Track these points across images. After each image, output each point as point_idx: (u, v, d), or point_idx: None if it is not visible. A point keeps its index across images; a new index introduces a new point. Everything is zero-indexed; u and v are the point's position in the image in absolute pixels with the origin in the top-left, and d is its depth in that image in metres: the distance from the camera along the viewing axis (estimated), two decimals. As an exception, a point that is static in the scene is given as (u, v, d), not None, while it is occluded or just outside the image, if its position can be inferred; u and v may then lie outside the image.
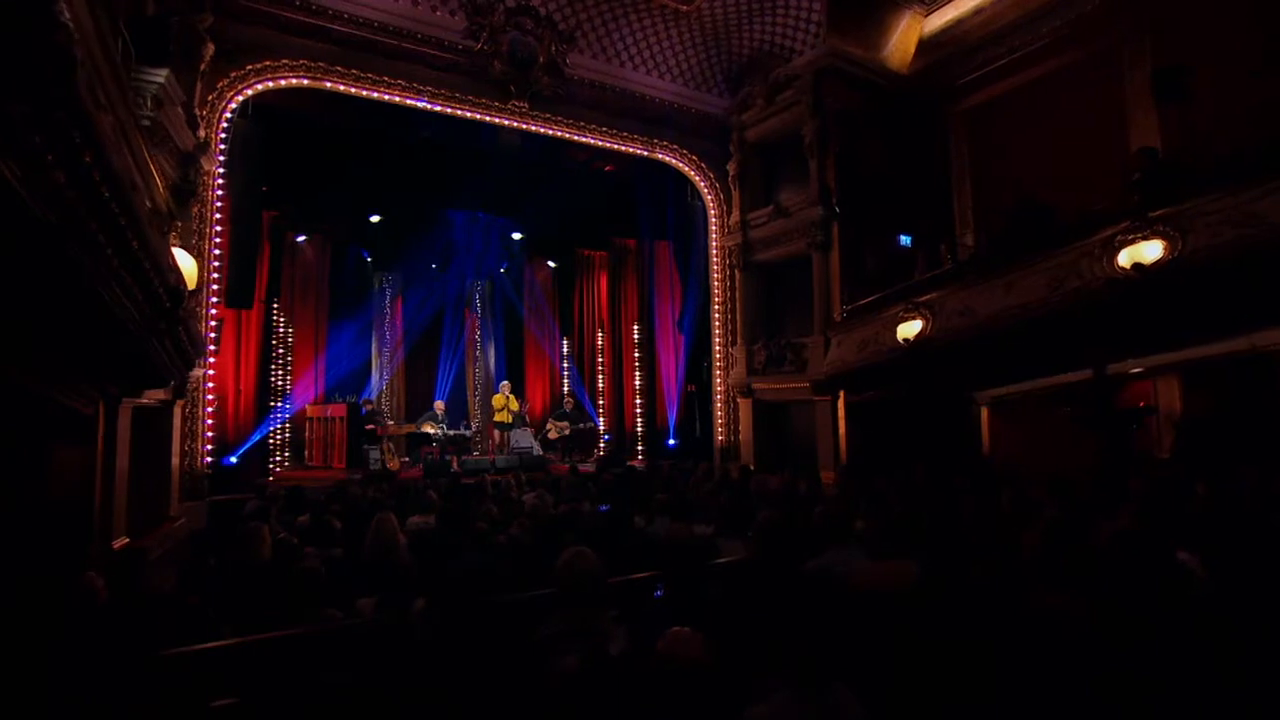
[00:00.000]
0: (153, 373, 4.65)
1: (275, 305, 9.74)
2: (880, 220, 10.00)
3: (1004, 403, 9.48)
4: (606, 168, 12.49)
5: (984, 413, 9.69)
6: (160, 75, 5.78)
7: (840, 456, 9.42)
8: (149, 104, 5.87)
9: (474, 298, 14.62)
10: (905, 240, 10.32)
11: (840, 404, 9.48)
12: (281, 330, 10.94)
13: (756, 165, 11.33)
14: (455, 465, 10.39)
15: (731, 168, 11.33)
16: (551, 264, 15.20)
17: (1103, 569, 2.68)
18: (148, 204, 3.58)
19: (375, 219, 11.87)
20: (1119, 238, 6.24)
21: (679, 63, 10.94)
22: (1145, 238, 6.15)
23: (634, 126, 10.87)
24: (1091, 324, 6.59)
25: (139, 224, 3.16)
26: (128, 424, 5.74)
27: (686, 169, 11.47)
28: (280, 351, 10.86)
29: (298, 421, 11.44)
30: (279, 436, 10.95)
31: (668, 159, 11.30)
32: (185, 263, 4.04)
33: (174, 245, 4.01)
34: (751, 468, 10.50)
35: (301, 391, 11.73)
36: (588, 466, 10.28)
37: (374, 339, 13.32)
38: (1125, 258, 6.20)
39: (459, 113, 9.42)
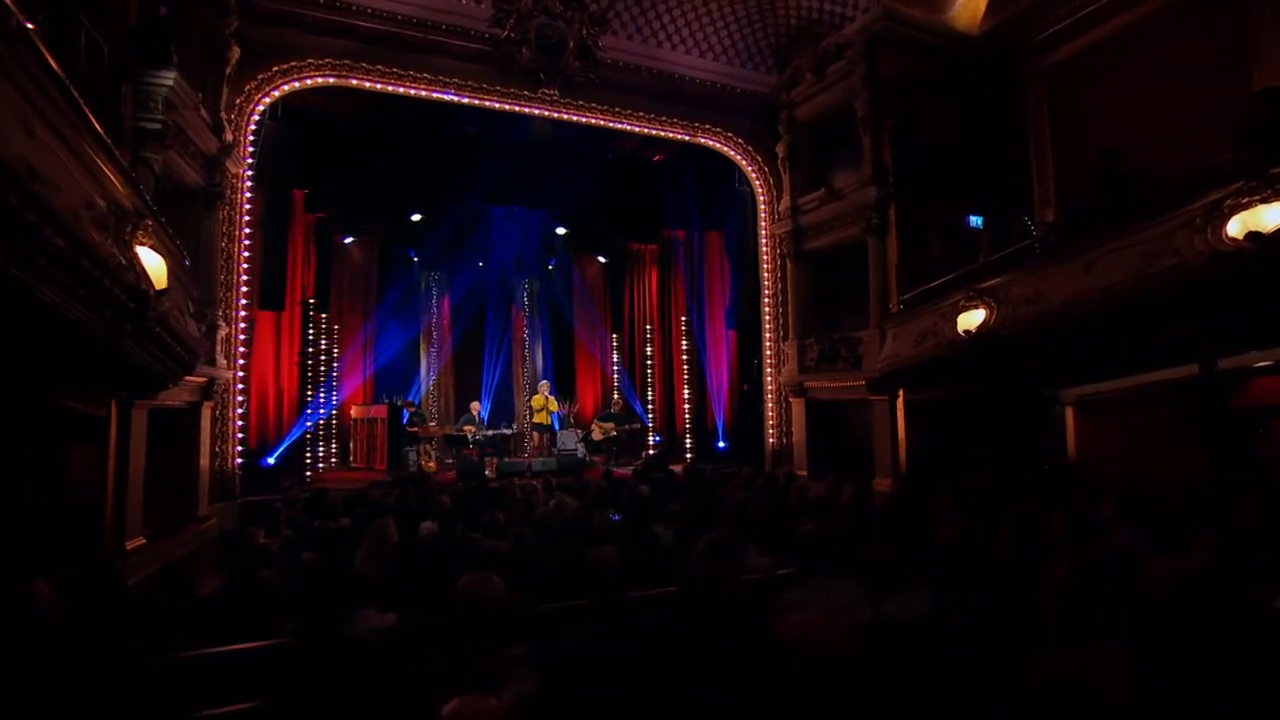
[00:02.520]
0: (139, 373, 4.69)
1: (312, 304, 9.93)
2: (946, 200, 9.11)
3: (1093, 403, 8.41)
4: (655, 157, 12.13)
5: (1069, 414, 8.64)
6: (167, 78, 5.89)
7: (900, 462, 8.66)
8: (160, 107, 6.03)
9: (522, 295, 14.61)
10: (976, 221, 9.39)
11: (899, 404, 8.71)
12: (325, 329, 11.16)
13: (807, 146, 10.64)
14: (491, 468, 10.31)
15: (780, 149, 10.71)
16: (601, 259, 14.99)
17: (1151, 621, 2.10)
18: (99, 202, 3.54)
19: (416, 218, 11.98)
20: (1229, 202, 5.26)
21: (721, 39, 10.42)
22: (1265, 199, 5.15)
23: (674, 110, 10.43)
24: (1191, 309, 5.63)
25: (56, 218, 3.09)
26: (143, 426, 5.89)
27: (732, 153, 10.92)
28: (323, 348, 11.05)
29: (344, 422, 11.73)
30: (325, 437, 11.25)
31: (711, 143, 10.80)
32: (151, 261, 4.00)
33: (142, 245, 3.97)
34: (798, 473, 9.91)
35: (349, 392, 12.04)
36: (624, 470, 9.96)
37: (421, 338, 13.52)
38: (1236, 226, 5.22)
39: (487, 103, 9.30)
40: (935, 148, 8.99)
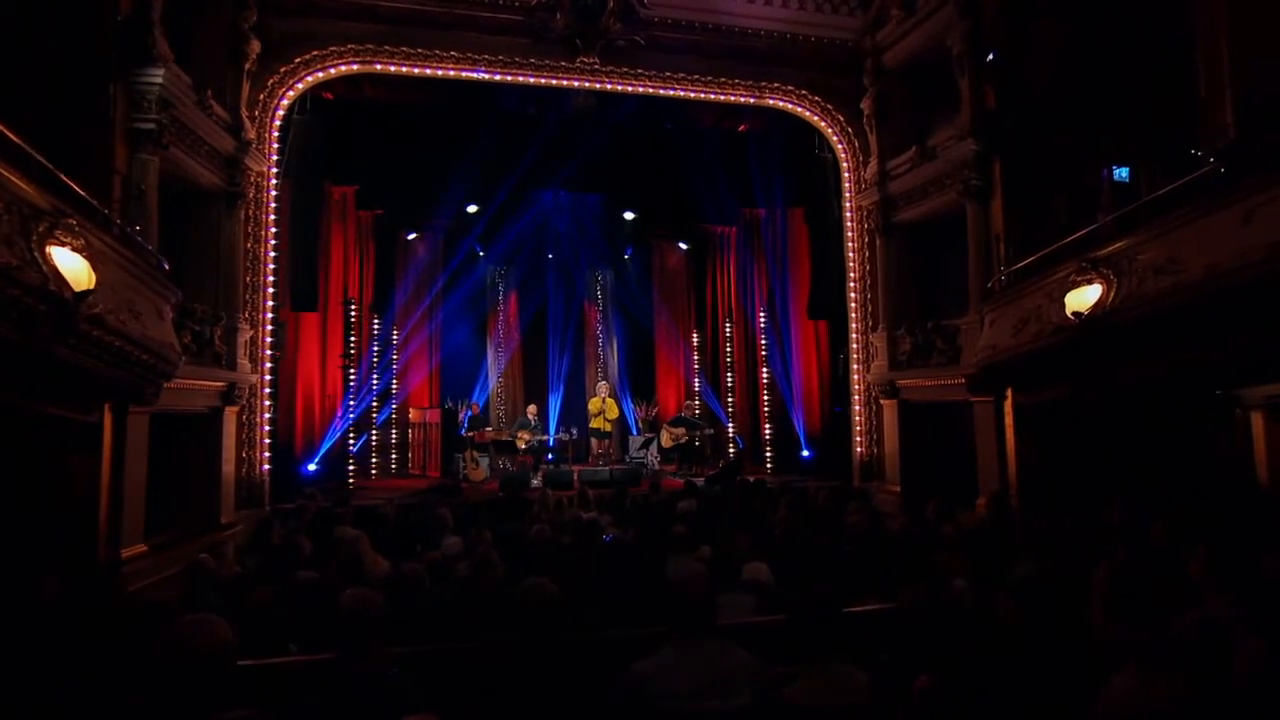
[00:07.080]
0: (85, 378, 4.78)
1: (353, 304, 10.17)
2: (1074, 150, 7.61)
3: (1292, 406, 6.66)
4: (740, 127, 11.37)
5: (1256, 421, 6.91)
6: (155, 75, 6.10)
7: (1009, 480, 7.37)
8: (153, 106, 6.27)
9: (594, 288, 14.35)
10: (1121, 173, 7.82)
11: (1007, 406, 7.41)
12: (380, 329, 11.44)
13: (898, 99, 9.41)
14: (539, 478, 10.09)
15: (866, 105, 9.55)
16: (683, 245, 14.40)
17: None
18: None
19: (473, 209, 12.01)
20: None
21: (790, -21, 9.48)
22: None
23: (735, 69, 9.61)
24: None
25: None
26: (143, 432, 6.12)
27: (808, 113, 9.91)
28: (375, 348, 11.33)
29: (403, 426, 12.03)
30: (385, 441, 11.56)
31: (782, 104, 9.85)
32: (67, 262, 4.03)
33: (59, 245, 4.00)
34: (890, 489, 8.83)
35: (412, 393, 12.33)
36: (677, 481, 9.35)
37: (488, 336, 13.64)
38: None
39: (521, 79, 9.04)
40: (1053, 85, 7.55)
